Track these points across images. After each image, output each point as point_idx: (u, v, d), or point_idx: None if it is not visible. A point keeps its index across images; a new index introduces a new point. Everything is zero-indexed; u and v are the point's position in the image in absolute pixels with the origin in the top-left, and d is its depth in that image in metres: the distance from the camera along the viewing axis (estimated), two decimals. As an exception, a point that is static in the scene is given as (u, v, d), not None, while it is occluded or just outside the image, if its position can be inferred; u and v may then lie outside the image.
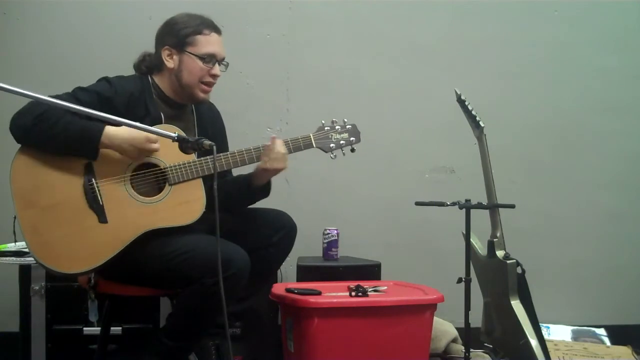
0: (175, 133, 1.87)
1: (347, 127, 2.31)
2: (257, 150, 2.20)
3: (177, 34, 2.19)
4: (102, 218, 2.02)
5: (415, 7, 3.33)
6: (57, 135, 1.97)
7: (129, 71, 2.26)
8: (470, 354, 2.44)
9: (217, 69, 2.21)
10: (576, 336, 3.15)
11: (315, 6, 3.28)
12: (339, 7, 3.29)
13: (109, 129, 2.01)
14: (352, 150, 2.32)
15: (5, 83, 1.49)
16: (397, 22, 3.33)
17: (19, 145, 2.02)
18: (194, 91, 2.21)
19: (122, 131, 2.01)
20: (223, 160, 2.17)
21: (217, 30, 2.23)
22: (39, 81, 2.91)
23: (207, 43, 2.19)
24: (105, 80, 2.15)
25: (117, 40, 3.09)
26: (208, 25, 2.21)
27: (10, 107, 1.96)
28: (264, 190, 2.32)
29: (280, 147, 2.19)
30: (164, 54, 2.20)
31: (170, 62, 2.19)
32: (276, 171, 2.22)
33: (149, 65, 2.24)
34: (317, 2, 3.29)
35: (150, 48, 2.27)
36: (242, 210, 2.32)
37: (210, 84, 2.23)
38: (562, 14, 3.39)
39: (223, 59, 2.24)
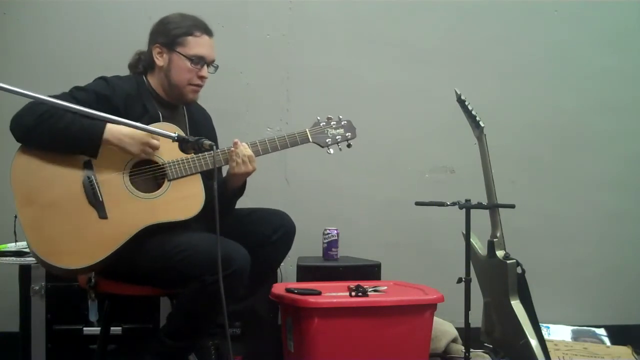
0: (175, 133, 1.89)
1: (343, 123, 2.33)
2: (254, 145, 2.20)
3: (168, 33, 2.20)
4: (102, 213, 2.02)
5: (415, 7, 3.33)
6: (58, 134, 1.98)
7: (128, 71, 2.27)
8: (470, 354, 2.45)
9: (204, 71, 2.23)
10: (576, 336, 3.14)
11: (315, 6, 3.28)
12: (339, 7, 3.29)
13: (110, 126, 2.02)
14: (349, 145, 2.33)
15: (5, 83, 1.49)
16: (397, 22, 3.33)
17: (19, 146, 2.02)
18: (182, 91, 2.22)
19: (123, 127, 2.02)
20: (222, 157, 2.17)
21: (208, 33, 2.24)
22: (38, 81, 2.91)
23: (197, 45, 2.20)
24: (102, 79, 2.17)
25: (116, 40, 3.08)
26: (199, 27, 2.22)
27: (10, 107, 1.96)
28: (239, 192, 2.31)
29: (244, 150, 2.17)
30: (155, 52, 2.21)
31: (160, 60, 2.21)
32: (245, 174, 2.20)
33: (144, 64, 2.25)
34: (317, 2, 3.29)
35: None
36: (233, 211, 2.31)
37: (198, 86, 2.24)
38: (562, 14, 3.39)
39: (213, 61, 2.25)
